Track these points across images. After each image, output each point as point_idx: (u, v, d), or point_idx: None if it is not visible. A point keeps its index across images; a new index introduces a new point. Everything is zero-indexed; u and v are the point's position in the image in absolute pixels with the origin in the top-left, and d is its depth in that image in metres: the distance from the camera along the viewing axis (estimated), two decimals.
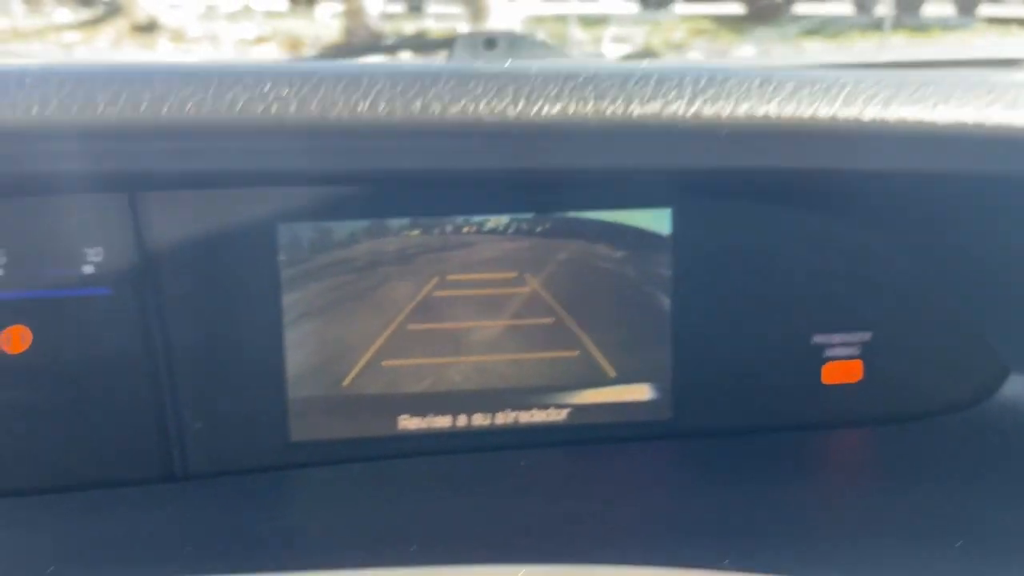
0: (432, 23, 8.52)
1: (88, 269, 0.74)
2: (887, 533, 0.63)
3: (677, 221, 0.79)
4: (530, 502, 0.70)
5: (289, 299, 0.76)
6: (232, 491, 0.72)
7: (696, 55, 7.25)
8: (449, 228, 0.78)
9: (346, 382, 0.78)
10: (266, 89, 0.55)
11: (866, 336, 0.81)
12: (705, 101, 0.54)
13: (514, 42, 1.42)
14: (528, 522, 0.64)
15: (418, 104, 0.53)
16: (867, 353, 0.82)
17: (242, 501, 0.70)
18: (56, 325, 0.74)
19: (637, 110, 0.53)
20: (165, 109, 0.54)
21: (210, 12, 8.43)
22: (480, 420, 0.80)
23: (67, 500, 0.71)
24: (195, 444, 0.75)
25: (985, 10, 8.35)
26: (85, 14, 8.98)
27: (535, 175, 0.69)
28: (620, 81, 0.56)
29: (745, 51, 6.94)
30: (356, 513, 0.69)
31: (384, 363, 0.78)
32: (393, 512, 0.69)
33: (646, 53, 7.00)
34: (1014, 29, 7.60)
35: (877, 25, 7.73)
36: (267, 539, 0.64)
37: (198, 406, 0.76)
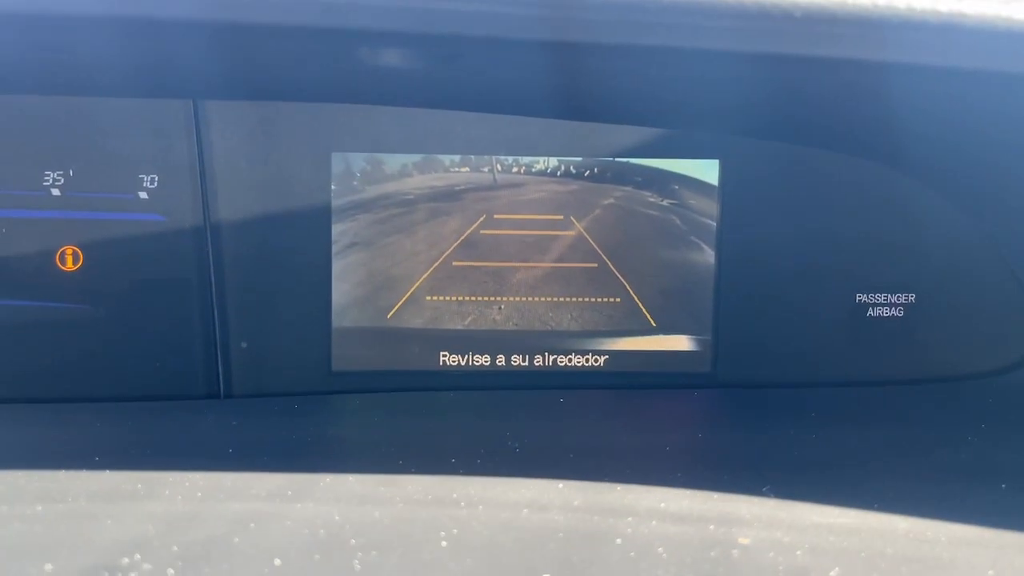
0: None
1: (142, 195, 0.76)
2: (925, 475, 0.62)
3: (725, 173, 0.79)
4: (568, 431, 0.70)
5: (339, 229, 0.77)
6: (273, 410, 0.73)
7: None
8: (498, 167, 0.79)
9: (390, 315, 0.79)
10: None
11: (910, 297, 0.81)
12: None
13: None
14: (565, 447, 0.64)
15: None
16: (910, 314, 0.81)
17: (282, 419, 0.71)
18: (107, 247, 0.76)
19: None
20: None
21: None
22: (519, 361, 0.80)
23: (112, 408, 0.72)
24: (240, 365, 0.77)
25: None
26: None
27: (598, 87, 0.68)
28: None
29: None
30: (392, 432, 0.70)
31: (428, 298, 0.79)
32: (428, 434, 0.69)
33: None
34: None
35: None
36: (303, 448, 0.65)
37: (244, 327, 0.77)
